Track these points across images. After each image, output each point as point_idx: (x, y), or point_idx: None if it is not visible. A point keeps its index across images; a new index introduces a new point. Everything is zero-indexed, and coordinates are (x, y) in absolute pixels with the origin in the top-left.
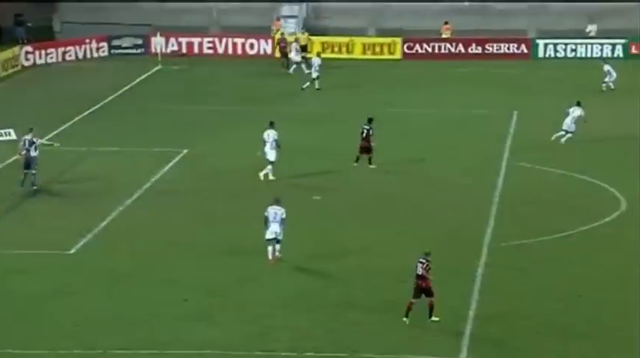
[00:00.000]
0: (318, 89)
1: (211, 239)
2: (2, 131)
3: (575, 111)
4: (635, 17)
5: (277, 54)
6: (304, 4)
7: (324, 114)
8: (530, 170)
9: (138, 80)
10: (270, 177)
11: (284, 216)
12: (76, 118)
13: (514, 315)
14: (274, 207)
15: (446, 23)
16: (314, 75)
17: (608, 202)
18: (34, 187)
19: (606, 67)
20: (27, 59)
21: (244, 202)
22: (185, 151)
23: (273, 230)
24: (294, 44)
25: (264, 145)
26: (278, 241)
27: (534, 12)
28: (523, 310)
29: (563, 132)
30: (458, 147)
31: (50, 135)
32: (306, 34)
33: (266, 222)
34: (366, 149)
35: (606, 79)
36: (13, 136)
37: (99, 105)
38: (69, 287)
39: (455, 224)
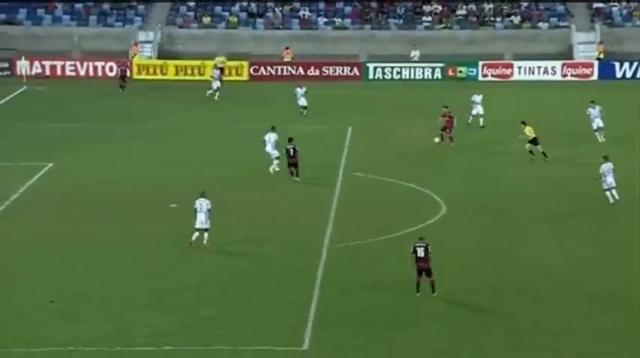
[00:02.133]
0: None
1: (76, 246)
2: None
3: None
4: (452, 44)
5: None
6: (159, 31)
7: (179, 131)
8: (363, 179)
9: (4, 100)
10: (277, 169)
11: (209, 206)
12: None
13: (350, 308)
14: (200, 199)
15: (287, 48)
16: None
17: (430, 206)
18: None
19: (475, 98)
20: None
21: (107, 211)
22: (50, 165)
23: (200, 219)
24: (214, 70)
25: (266, 145)
26: (206, 230)
27: (365, 39)
28: (358, 303)
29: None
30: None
31: None
32: (223, 58)
33: (195, 212)
34: (295, 164)
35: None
36: None
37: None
38: None
39: (298, 228)
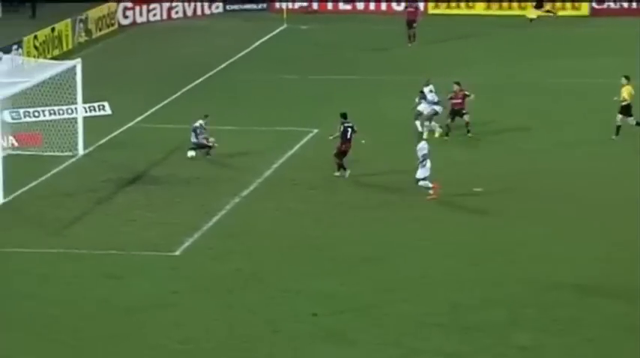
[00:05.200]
0: None
1: (345, 240)
2: (95, 104)
3: None
4: None
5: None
6: None
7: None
8: None
9: (258, 43)
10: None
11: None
12: (183, 89)
13: None
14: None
15: None
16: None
17: None
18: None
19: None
20: (125, 17)
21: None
22: (315, 131)
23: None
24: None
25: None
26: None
27: None
28: None
29: None
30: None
31: (154, 109)
32: None
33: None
34: (345, 153)
35: None
36: (108, 111)
37: (210, 73)
38: (173, 297)
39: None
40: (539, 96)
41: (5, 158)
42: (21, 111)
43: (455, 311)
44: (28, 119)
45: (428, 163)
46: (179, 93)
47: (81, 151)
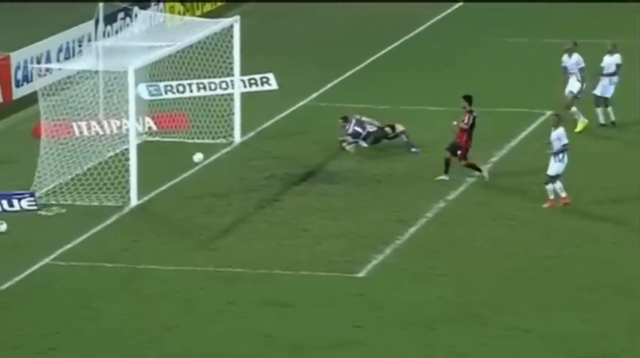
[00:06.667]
0: None
1: (588, 262)
2: (257, 77)
3: None
4: None
5: None
6: None
7: None
8: None
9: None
10: None
11: None
12: (372, 57)
13: None
14: None
15: None
16: None
17: None
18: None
19: None
20: None
21: None
22: (548, 113)
23: None
24: None
25: None
26: None
27: None
28: None
29: None
30: None
31: (333, 83)
32: None
33: None
34: (459, 147)
35: None
36: (274, 85)
37: (407, 37)
38: (355, 333)
39: None
40: None
41: (140, 146)
42: (161, 85)
43: None
44: (170, 95)
45: (566, 157)
46: (369, 61)
47: (237, 138)
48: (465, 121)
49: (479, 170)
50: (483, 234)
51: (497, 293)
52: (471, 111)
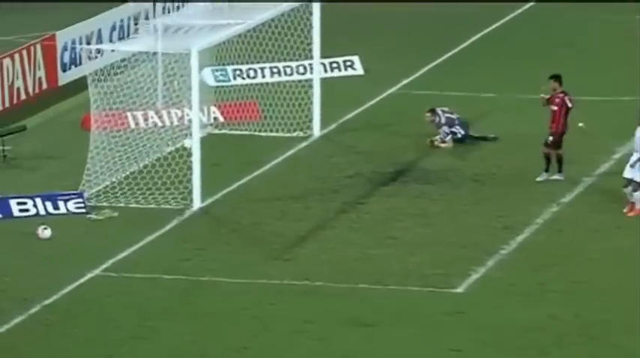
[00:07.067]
0: None
1: None
2: (340, 60)
3: None
4: None
5: None
6: None
7: None
8: None
9: None
10: None
11: None
12: (468, 41)
13: None
14: None
15: None
16: None
17: None
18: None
19: None
20: None
21: None
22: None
23: None
24: None
25: None
26: None
27: None
28: None
29: None
30: None
31: (425, 68)
32: None
33: None
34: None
35: None
36: (359, 70)
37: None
38: None
39: None
40: None
41: (204, 139)
42: (229, 69)
43: None
44: (239, 81)
45: None
46: (465, 45)
47: (317, 131)
48: (570, 104)
49: (560, 170)
50: (603, 243)
51: (619, 313)
52: (564, 92)
